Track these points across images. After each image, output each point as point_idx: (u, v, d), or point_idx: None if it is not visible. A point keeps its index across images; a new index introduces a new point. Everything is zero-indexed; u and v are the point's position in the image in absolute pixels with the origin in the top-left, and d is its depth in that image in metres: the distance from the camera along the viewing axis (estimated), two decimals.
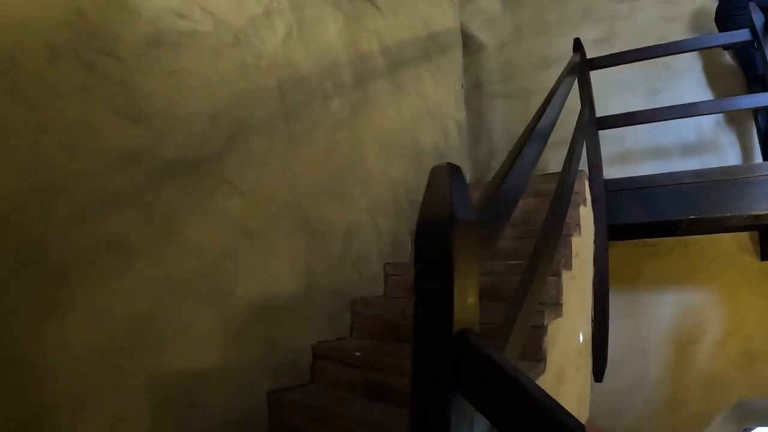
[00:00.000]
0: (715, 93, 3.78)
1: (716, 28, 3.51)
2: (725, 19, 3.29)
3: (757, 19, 2.71)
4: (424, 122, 3.25)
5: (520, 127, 4.10)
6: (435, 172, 0.79)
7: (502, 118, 4.33)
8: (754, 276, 3.43)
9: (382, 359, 1.84)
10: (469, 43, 4.51)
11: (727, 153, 3.62)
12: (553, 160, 4.06)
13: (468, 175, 3.94)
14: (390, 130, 2.81)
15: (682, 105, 2.99)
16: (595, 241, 2.78)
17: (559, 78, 2.18)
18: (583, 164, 2.77)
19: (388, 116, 2.83)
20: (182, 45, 1.79)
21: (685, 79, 3.87)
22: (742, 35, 2.81)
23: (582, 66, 2.77)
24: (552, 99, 1.77)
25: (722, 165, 3.55)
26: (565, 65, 4.14)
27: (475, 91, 4.50)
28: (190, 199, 1.74)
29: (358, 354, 1.91)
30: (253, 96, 2.02)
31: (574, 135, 2.53)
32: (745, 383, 3.31)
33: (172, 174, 1.69)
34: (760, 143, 3.28)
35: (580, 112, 2.87)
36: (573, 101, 2.88)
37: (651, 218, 2.67)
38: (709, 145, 3.64)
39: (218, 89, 1.89)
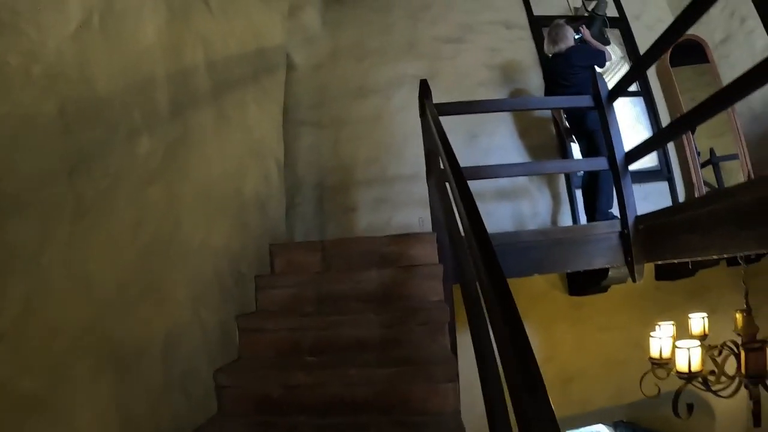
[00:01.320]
0: (527, 142, 4.44)
1: (544, 81, 4.15)
2: (559, 77, 3.88)
3: (603, 87, 3.23)
4: (248, 164, 2.83)
5: (328, 160, 4.20)
6: None
7: (309, 148, 4.26)
8: (564, 309, 4.18)
9: None
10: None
11: (536, 198, 4.30)
12: (396, 217, 4.14)
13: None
14: (211, 180, 2.28)
15: (504, 165, 3.48)
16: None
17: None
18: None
19: (209, 159, 2.26)
20: None
21: (502, 126, 4.45)
22: (586, 101, 3.33)
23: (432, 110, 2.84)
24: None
25: (532, 208, 4.26)
26: (382, 98, 4.37)
27: (282, 116, 4.33)
28: None
29: None
30: (12, 134, 1.23)
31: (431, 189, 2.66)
32: (564, 403, 3.95)
33: None
34: (583, 194, 3.93)
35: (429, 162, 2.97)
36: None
37: None
38: (521, 190, 4.26)
39: None
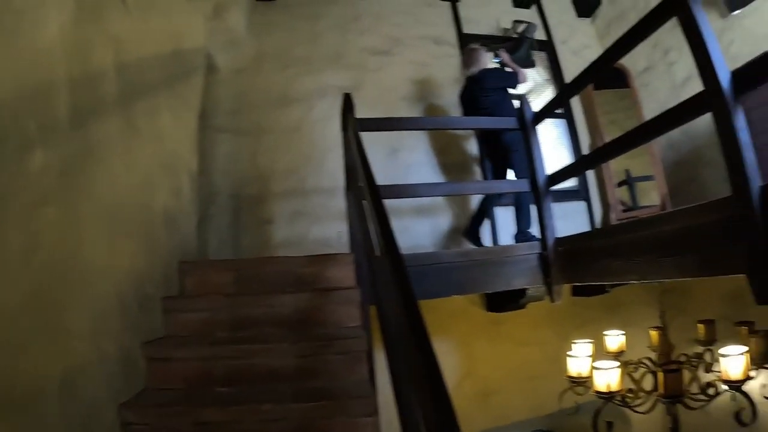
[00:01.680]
0: (448, 159, 4.60)
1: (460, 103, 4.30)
2: (474, 99, 4.04)
3: (528, 109, 3.41)
4: (158, 178, 2.67)
5: (246, 170, 4.16)
6: None
7: (226, 156, 4.18)
8: (482, 325, 4.35)
9: None
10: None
11: (457, 216, 4.48)
12: (313, 231, 4.12)
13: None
14: (116, 196, 2.11)
15: (426, 185, 3.65)
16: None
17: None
18: None
19: (115, 174, 2.12)
20: None
21: (423, 142, 4.59)
22: (511, 122, 3.50)
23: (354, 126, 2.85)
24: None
25: (450, 225, 4.43)
26: (304, 107, 4.37)
27: (199, 122, 4.20)
28: None
29: None
30: None
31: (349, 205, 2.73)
32: (484, 417, 4.13)
33: None
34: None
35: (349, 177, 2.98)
36: None
37: (419, 297, 2.95)
38: (439, 207, 4.43)
39: None
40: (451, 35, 5.19)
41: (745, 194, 1.77)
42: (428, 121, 3.81)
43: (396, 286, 1.23)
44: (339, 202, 3.72)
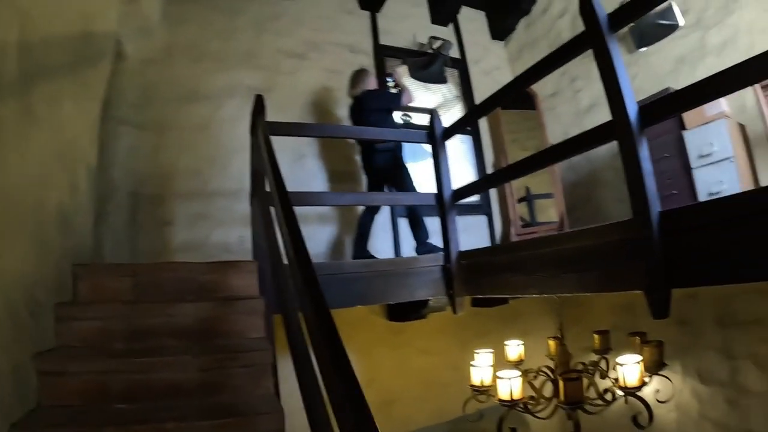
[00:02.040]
0: (355, 167, 4.76)
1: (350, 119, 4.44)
2: (357, 118, 4.21)
3: (438, 125, 3.62)
4: (53, 171, 2.50)
5: (147, 167, 4.11)
6: None
7: (127, 151, 4.01)
8: (384, 334, 4.54)
9: None
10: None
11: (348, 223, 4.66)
12: (215, 234, 4.10)
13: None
14: (6, 190, 1.95)
15: (334, 194, 3.88)
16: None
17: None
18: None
19: (6, 165, 1.96)
20: None
21: (331, 149, 4.75)
22: (421, 137, 3.74)
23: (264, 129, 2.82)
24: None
25: (354, 235, 4.50)
26: (213, 105, 4.35)
27: (101, 112, 4.03)
28: None
29: None
30: None
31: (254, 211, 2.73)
32: (387, 424, 4.19)
33: None
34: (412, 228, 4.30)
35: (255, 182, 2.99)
36: None
37: None
38: (338, 215, 4.60)
39: None
40: (368, 45, 5.37)
41: (645, 218, 1.99)
42: (341, 130, 3.91)
43: (308, 297, 1.25)
44: (243, 206, 3.71)
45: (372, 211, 4.24)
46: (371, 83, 4.41)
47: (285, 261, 1.74)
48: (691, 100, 2.15)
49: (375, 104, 4.19)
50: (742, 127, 3.98)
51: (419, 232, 4.15)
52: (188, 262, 2.74)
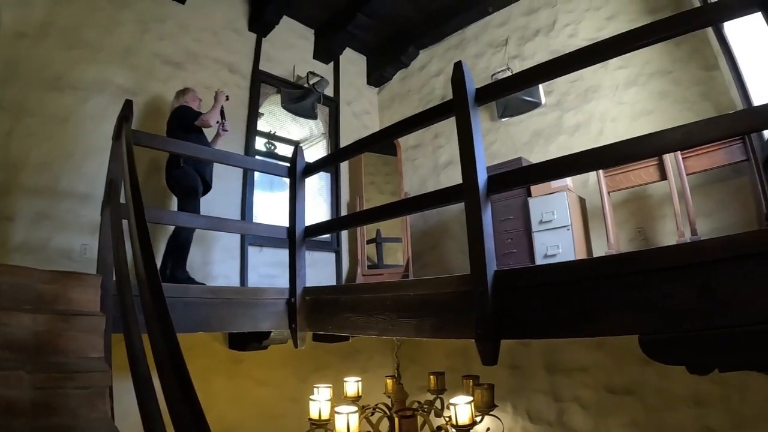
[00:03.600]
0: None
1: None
2: (168, 135, 4.19)
3: (301, 163, 3.82)
4: None
5: None
6: None
7: None
8: (223, 362, 4.65)
9: None
10: None
11: (210, 248, 4.84)
12: (57, 239, 3.95)
13: None
14: None
15: (184, 214, 3.84)
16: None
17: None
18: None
19: None
20: None
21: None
22: (282, 170, 3.93)
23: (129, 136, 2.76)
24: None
25: (203, 258, 4.70)
26: (78, 98, 4.24)
27: None
28: None
29: None
30: None
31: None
32: None
33: None
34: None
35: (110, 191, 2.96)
36: None
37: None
38: (196, 239, 4.53)
39: None
40: (247, 68, 5.56)
41: (482, 275, 2.23)
42: (205, 151, 3.91)
43: (157, 321, 1.30)
44: (92, 213, 3.67)
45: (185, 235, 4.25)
46: (187, 100, 4.40)
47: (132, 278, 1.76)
48: (535, 178, 2.66)
49: (172, 122, 4.22)
50: (582, 201, 4.77)
51: (180, 263, 4.16)
52: (28, 268, 2.58)
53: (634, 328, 1.81)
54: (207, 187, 4.40)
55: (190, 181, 4.17)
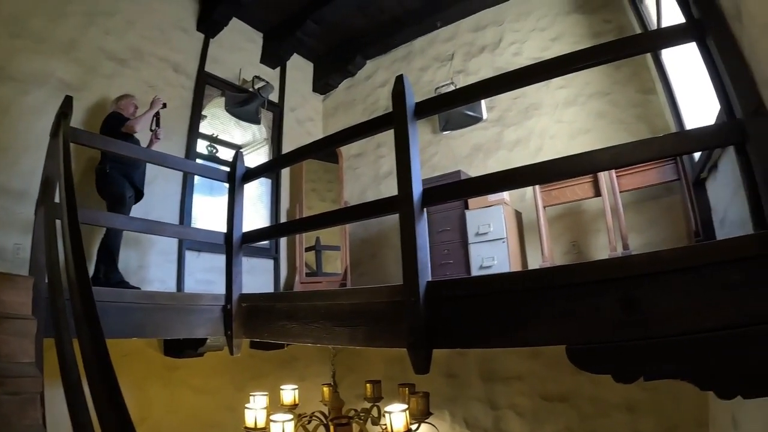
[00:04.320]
0: None
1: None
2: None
3: (240, 168, 3.83)
4: None
5: None
6: None
7: None
8: (159, 369, 4.59)
9: None
10: None
11: (147, 251, 4.80)
12: None
13: None
14: None
15: (122, 217, 3.79)
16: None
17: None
18: None
19: None
20: None
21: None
22: (222, 175, 3.91)
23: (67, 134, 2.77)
24: None
25: (139, 261, 4.65)
26: (18, 90, 4.04)
27: None
28: None
29: None
30: None
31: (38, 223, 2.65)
32: None
33: None
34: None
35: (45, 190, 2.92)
36: None
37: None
38: (131, 242, 4.59)
39: None
40: (193, 68, 5.51)
41: (414, 285, 2.29)
42: (143, 152, 3.92)
43: (86, 327, 1.30)
44: (27, 211, 3.52)
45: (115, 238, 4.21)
46: (121, 106, 4.38)
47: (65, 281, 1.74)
48: (469, 191, 2.79)
49: (103, 128, 4.18)
50: (519, 214, 4.99)
51: (113, 266, 4.13)
52: None
53: (562, 338, 1.90)
54: (139, 194, 4.35)
55: (116, 188, 4.12)
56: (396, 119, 2.66)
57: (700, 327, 1.62)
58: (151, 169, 4.51)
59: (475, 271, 4.59)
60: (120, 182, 4.13)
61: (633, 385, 1.76)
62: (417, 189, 2.48)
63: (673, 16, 3.03)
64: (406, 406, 3.80)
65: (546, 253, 4.37)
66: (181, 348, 4.37)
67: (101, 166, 4.12)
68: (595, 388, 4.28)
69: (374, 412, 4.29)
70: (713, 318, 1.61)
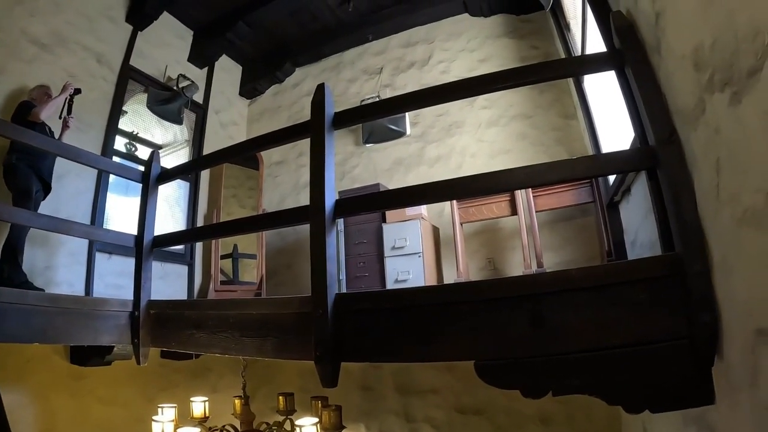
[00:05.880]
0: None
1: None
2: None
3: (156, 168, 3.75)
4: None
5: None
6: None
7: None
8: (64, 378, 4.43)
9: None
10: None
11: (55, 253, 4.66)
12: None
13: None
14: None
15: (30, 213, 3.69)
16: None
17: None
18: None
19: None
20: None
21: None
22: (135, 175, 3.83)
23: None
24: None
25: (46, 261, 4.50)
26: None
27: None
28: None
29: None
30: None
31: None
32: None
33: None
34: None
35: None
36: None
37: None
38: (40, 239, 4.46)
39: None
40: (117, 61, 5.36)
41: (322, 297, 2.29)
42: (53, 145, 3.80)
43: None
44: None
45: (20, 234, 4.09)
46: (33, 96, 4.26)
47: None
48: (382, 204, 2.87)
49: (13, 117, 4.07)
50: (436, 230, 5.16)
51: (18, 267, 4.02)
52: None
53: (471, 354, 1.94)
54: (47, 187, 4.23)
55: (21, 181, 4.00)
56: (313, 128, 2.69)
57: (607, 344, 1.71)
58: (63, 164, 4.36)
59: (390, 285, 4.70)
60: (26, 175, 4.01)
61: (546, 398, 1.82)
62: (330, 199, 2.51)
63: (597, 46, 3.17)
64: (317, 420, 3.81)
65: (461, 268, 4.53)
66: (88, 356, 4.23)
67: (8, 156, 3.99)
68: (509, 401, 4.46)
69: (287, 426, 4.31)
70: (620, 335, 1.71)
